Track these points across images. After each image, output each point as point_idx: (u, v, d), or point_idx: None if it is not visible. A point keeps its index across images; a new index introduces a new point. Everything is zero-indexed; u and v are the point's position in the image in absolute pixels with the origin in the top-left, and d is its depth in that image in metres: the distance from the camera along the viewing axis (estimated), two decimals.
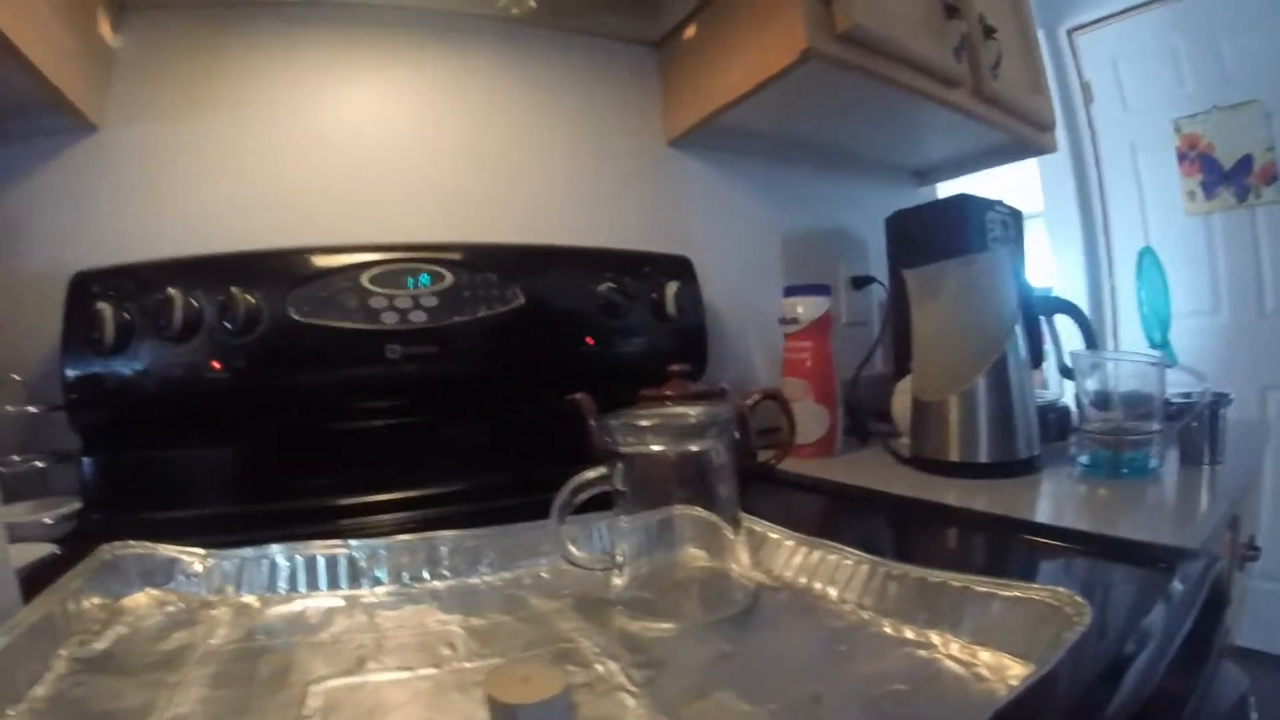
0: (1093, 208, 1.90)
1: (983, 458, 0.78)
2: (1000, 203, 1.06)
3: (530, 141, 1.10)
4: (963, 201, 0.98)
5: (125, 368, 0.77)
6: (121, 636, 0.49)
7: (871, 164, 1.34)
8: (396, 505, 0.78)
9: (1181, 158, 1.98)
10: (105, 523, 0.70)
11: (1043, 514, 0.66)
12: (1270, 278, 1.89)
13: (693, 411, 0.51)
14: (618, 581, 0.52)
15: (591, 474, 0.51)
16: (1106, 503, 0.68)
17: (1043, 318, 0.89)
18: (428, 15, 1.04)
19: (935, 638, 0.42)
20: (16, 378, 0.78)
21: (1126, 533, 0.55)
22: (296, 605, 0.55)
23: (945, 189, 1.44)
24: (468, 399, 0.90)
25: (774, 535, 0.57)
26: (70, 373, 0.76)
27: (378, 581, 0.58)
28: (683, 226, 1.15)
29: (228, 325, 0.78)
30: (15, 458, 0.75)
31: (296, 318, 0.80)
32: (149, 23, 0.93)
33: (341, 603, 0.55)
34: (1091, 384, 0.78)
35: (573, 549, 0.53)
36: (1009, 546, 0.59)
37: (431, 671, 0.43)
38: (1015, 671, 0.37)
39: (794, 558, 0.55)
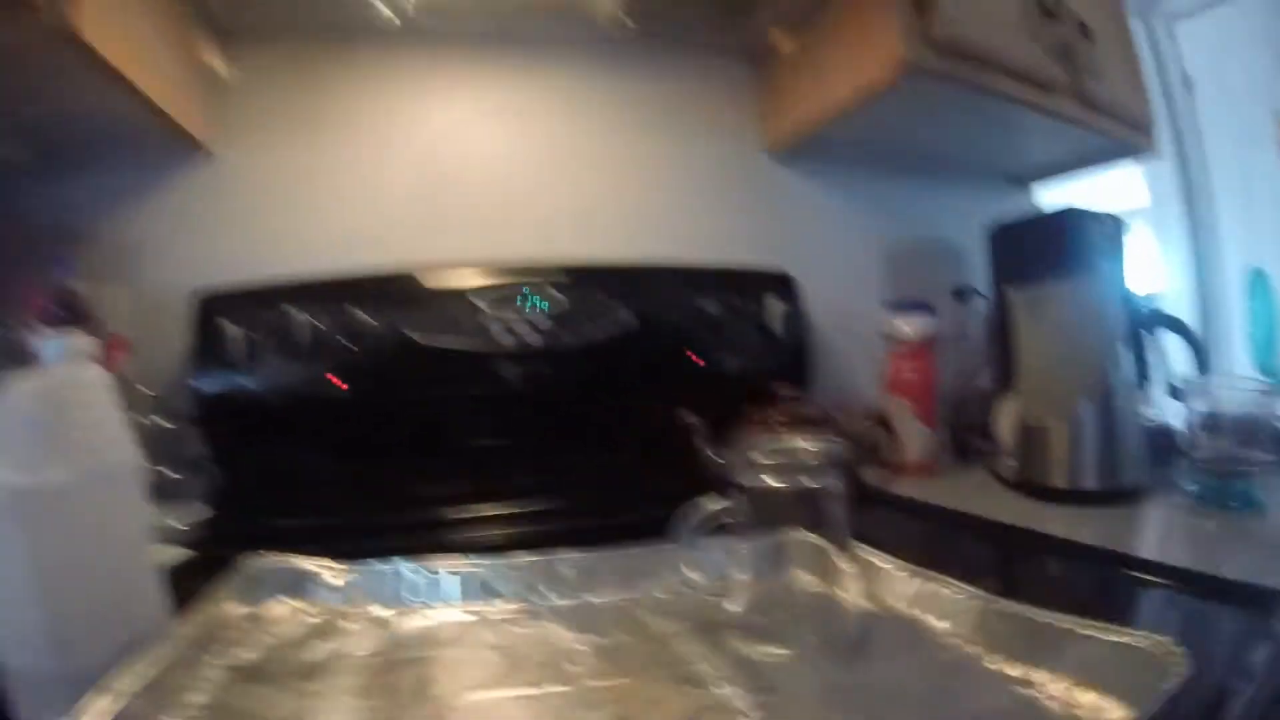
0: (1197, 208, 1.81)
1: (1089, 485, 0.77)
2: (1106, 215, 1.03)
3: (628, 155, 1.12)
4: (1068, 216, 0.96)
5: (250, 383, 0.82)
6: (267, 646, 0.52)
7: (969, 171, 1.31)
8: (509, 520, 0.81)
9: None
10: (231, 529, 0.75)
11: (1148, 548, 0.66)
12: None
13: (812, 449, 0.52)
14: (733, 607, 0.54)
15: (716, 506, 0.53)
16: (1212, 538, 0.67)
17: (1149, 334, 0.86)
18: (524, 35, 1.07)
19: (1036, 676, 0.42)
20: (148, 392, 0.83)
21: (1231, 572, 0.54)
22: (427, 619, 0.58)
23: (1046, 193, 1.40)
24: (578, 416, 0.93)
25: (883, 564, 0.58)
26: (199, 387, 0.82)
27: (501, 597, 0.60)
28: (782, 238, 1.16)
29: (347, 344, 0.82)
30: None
31: (414, 338, 0.84)
32: (256, 52, 0.99)
33: (470, 618, 0.58)
34: (1200, 408, 0.76)
35: (693, 574, 0.55)
36: (1112, 582, 0.59)
37: (561, 689, 0.46)
38: (1114, 716, 0.37)
39: (903, 587, 0.56)
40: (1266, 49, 1.86)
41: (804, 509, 0.53)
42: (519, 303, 0.88)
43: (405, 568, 0.62)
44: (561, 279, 0.91)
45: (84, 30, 0.64)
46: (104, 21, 0.67)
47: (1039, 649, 0.44)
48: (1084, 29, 1.06)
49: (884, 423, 0.65)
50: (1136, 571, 0.58)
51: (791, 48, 1.09)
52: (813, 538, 0.53)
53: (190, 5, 0.91)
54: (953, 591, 0.52)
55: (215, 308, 0.84)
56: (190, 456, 0.84)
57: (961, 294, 1.13)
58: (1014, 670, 0.44)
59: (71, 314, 0.73)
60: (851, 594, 0.53)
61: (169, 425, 0.82)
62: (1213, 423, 0.74)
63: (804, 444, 0.53)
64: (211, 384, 0.82)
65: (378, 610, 0.59)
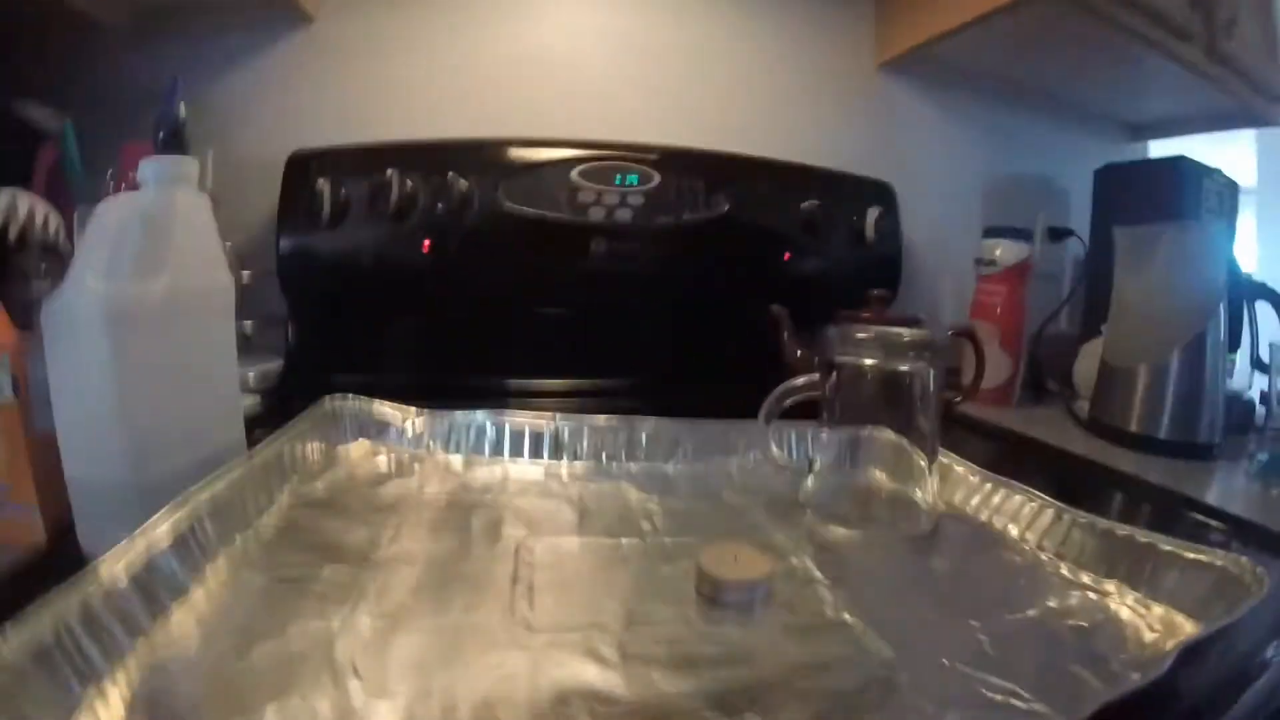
0: None
1: (1163, 434, 0.76)
2: (1219, 171, 0.98)
3: (737, 56, 1.09)
4: (1181, 163, 0.92)
5: (339, 242, 0.83)
6: (339, 480, 0.54)
7: (1085, 113, 1.26)
8: (585, 393, 0.83)
9: None
10: (304, 382, 0.76)
11: (1214, 500, 0.64)
12: None
13: (907, 332, 0.52)
14: (809, 486, 0.55)
15: (800, 381, 0.53)
16: (1278, 502, 0.65)
17: (1244, 303, 0.83)
18: None
19: (1111, 587, 0.43)
20: (227, 244, 0.86)
21: None
22: (499, 470, 0.60)
23: (1157, 149, 1.34)
24: (664, 299, 0.94)
25: (959, 468, 0.59)
26: (285, 244, 0.83)
27: (577, 456, 0.62)
28: (885, 153, 1.13)
29: (441, 208, 0.83)
30: None
31: (507, 205, 0.84)
32: None
33: (542, 473, 0.60)
34: None
35: (774, 448, 0.55)
36: (1175, 524, 0.58)
37: (635, 541, 0.47)
38: (1187, 630, 0.38)
39: (977, 493, 0.56)
40: None
41: (893, 400, 0.53)
42: (613, 179, 0.87)
43: (482, 419, 0.63)
44: (661, 160, 0.90)
45: None
46: None
47: (1113, 562, 0.44)
48: None
49: (972, 338, 0.64)
50: (1201, 516, 0.58)
51: None
52: (896, 437, 0.53)
53: None
54: (1029, 499, 0.52)
55: (306, 165, 0.84)
56: (268, 312, 0.86)
57: (1058, 234, 1.10)
58: (1088, 578, 0.44)
59: (176, 140, 0.74)
60: (928, 494, 0.53)
61: (249, 279, 0.83)
62: None
63: (900, 330, 0.52)
64: (297, 242, 0.83)
65: (452, 457, 0.62)
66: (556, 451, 0.62)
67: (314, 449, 0.57)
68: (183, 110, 0.55)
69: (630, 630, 0.36)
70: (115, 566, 0.31)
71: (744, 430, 0.62)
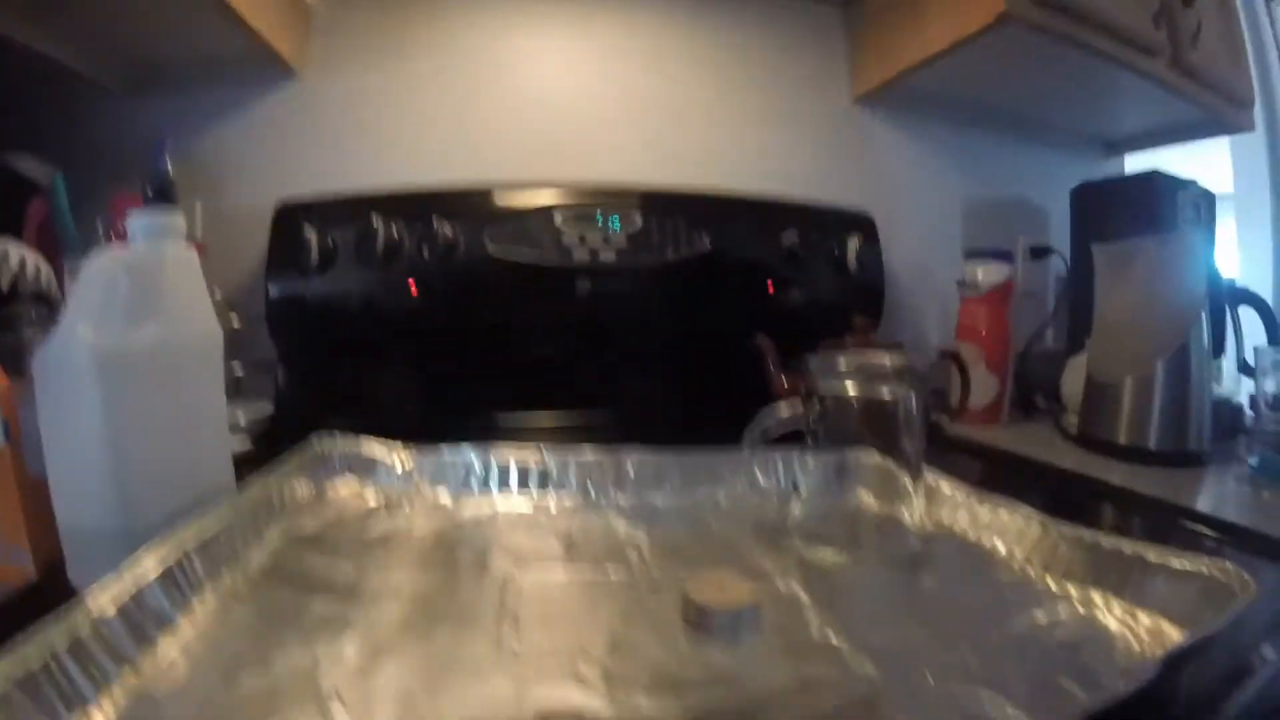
0: None
1: (1152, 444, 0.76)
2: (1194, 183, 1.00)
3: (716, 94, 1.12)
4: (1156, 178, 0.94)
5: (326, 288, 0.84)
6: (328, 519, 0.55)
7: (1058, 132, 1.29)
8: (572, 431, 0.83)
9: None
10: (294, 426, 0.76)
11: (1204, 507, 0.64)
12: None
13: (888, 359, 0.53)
14: (796, 512, 0.55)
15: (785, 413, 0.54)
16: (1270, 506, 0.65)
17: (1227, 309, 0.84)
18: None
19: (1098, 599, 0.43)
20: (216, 291, 0.87)
21: None
22: (488, 506, 0.60)
23: (1133, 163, 1.37)
24: (650, 336, 0.95)
25: (946, 487, 0.58)
26: (274, 290, 0.84)
27: (564, 489, 0.62)
28: (864, 184, 1.15)
29: (427, 254, 0.84)
30: None
31: (492, 250, 0.86)
32: None
33: (530, 507, 0.60)
34: (1270, 384, 0.74)
35: (760, 477, 0.56)
36: (1168, 532, 0.59)
37: (623, 574, 0.47)
38: (1175, 639, 0.38)
39: (966, 511, 0.56)
40: None
41: (876, 426, 0.54)
42: (596, 221, 0.89)
43: (469, 455, 0.63)
44: (643, 202, 0.92)
45: None
46: None
47: (1100, 573, 0.44)
48: None
49: (956, 360, 0.64)
50: (1193, 524, 0.59)
51: None
52: (881, 459, 0.54)
53: None
54: (1016, 516, 0.52)
55: (294, 214, 0.86)
56: (258, 357, 0.87)
57: (1039, 253, 1.12)
58: (1073, 590, 0.44)
59: (163, 195, 0.76)
60: (914, 514, 0.54)
61: (239, 326, 0.84)
62: None
63: (881, 356, 0.53)
64: (285, 288, 0.84)
65: (440, 494, 0.62)
66: (544, 485, 0.62)
67: (302, 486, 0.57)
68: (170, 167, 0.57)
69: (615, 656, 0.36)
70: (102, 598, 0.32)
71: (730, 459, 0.62)
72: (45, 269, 0.59)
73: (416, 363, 0.90)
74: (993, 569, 0.49)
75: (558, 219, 0.88)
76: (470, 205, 0.88)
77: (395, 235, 0.84)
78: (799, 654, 0.37)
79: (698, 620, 0.39)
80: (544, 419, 0.86)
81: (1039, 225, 1.25)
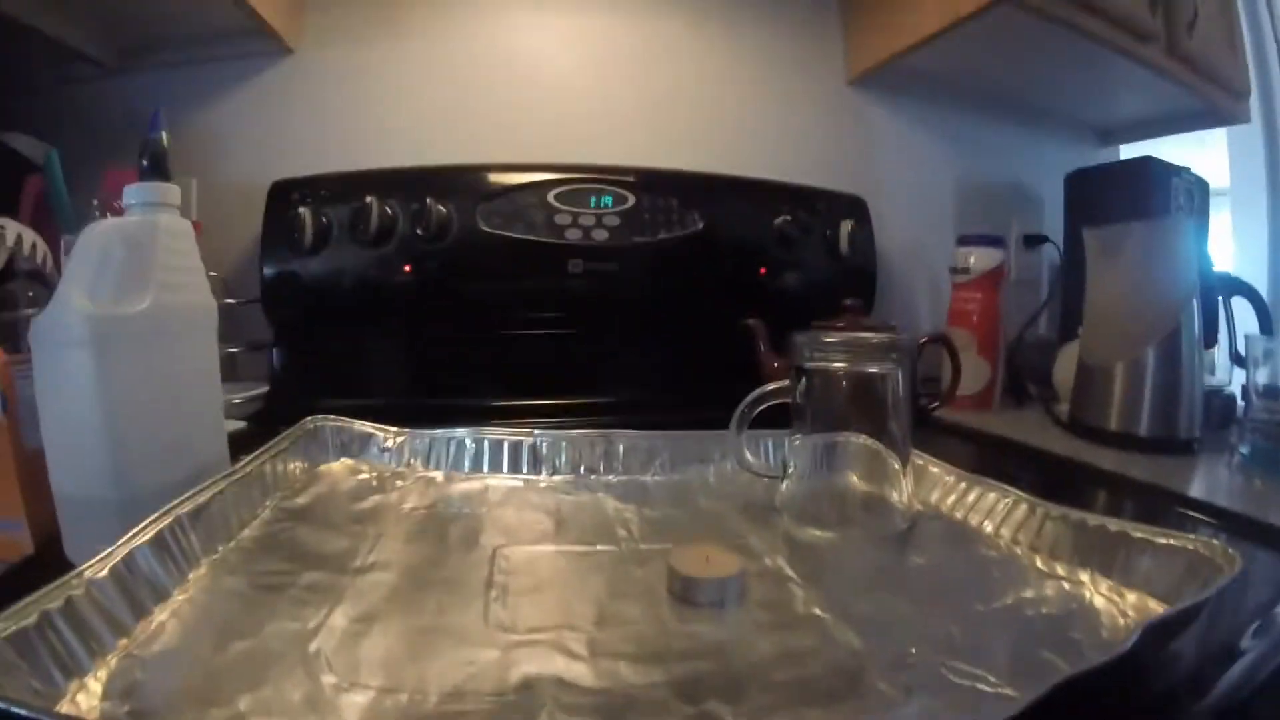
0: None
1: (1142, 431, 0.76)
2: (1187, 169, 1.00)
3: (710, 75, 1.12)
4: (1148, 164, 0.94)
5: (321, 267, 0.84)
6: (320, 495, 0.55)
7: (1054, 119, 1.29)
8: (564, 411, 0.83)
9: None
10: (288, 406, 0.77)
11: (1196, 492, 0.65)
12: None
13: (876, 335, 0.53)
14: (784, 491, 0.55)
15: (771, 387, 0.54)
16: (1262, 493, 0.65)
17: (1220, 299, 0.84)
18: None
19: (1084, 577, 0.43)
20: (214, 273, 0.87)
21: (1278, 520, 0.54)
22: (479, 483, 0.61)
23: (1128, 151, 1.37)
24: (641, 316, 0.95)
25: (934, 469, 0.59)
26: (269, 270, 0.84)
27: (556, 469, 0.63)
28: (857, 167, 1.16)
29: (420, 232, 0.84)
30: None
31: (485, 228, 0.86)
32: None
33: (521, 485, 0.61)
34: (1262, 374, 0.74)
35: (748, 454, 0.56)
36: (1158, 517, 0.58)
37: (610, 548, 0.48)
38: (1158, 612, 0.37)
39: (952, 493, 0.57)
40: None
41: (865, 404, 0.54)
42: (590, 201, 0.89)
43: (460, 434, 0.64)
44: (636, 181, 0.92)
45: None
46: None
47: (1088, 553, 0.44)
48: None
49: (947, 345, 0.65)
50: (1183, 508, 0.59)
51: None
52: (870, 440, 0.54)
53: None
54: (1003, 496, 0.52)
55: (289, 194, 0.86)
56: (253, 337, 0.88)
57: (1033, 241, 1.12)
58: (1060, 569, 0.45)
59: (159, 168, 0.76)
60: (902, 495, 0.54)
61: (235, 304, 0.85)
62: (1273, 390, 0.73)
63: (869, 333, 0.53)
64: (280, 267, 0.84)
65: (433, 472, 0.62)
66: (535, 465, 0.63)
67: (296, 466, 0.58)
68: (165, 139, 0.57)
69: (601, 628, 0.36)
70: (100, 570, 0.32)
71: (720, 440, 0.62)
72: (41, 246, 0.59)
73: (411, 344, 0.90)
74: (980, 547, 0.49)
75: (550, 198, 0.89)
76: (463, 184, 0.88)
77: (389, 214, 0.84)
78: (783, 625, 0.37)
79: (683, 592, 0.40)
80: (536, 397, 0.86)
81: (1033, 212, 1.25)
